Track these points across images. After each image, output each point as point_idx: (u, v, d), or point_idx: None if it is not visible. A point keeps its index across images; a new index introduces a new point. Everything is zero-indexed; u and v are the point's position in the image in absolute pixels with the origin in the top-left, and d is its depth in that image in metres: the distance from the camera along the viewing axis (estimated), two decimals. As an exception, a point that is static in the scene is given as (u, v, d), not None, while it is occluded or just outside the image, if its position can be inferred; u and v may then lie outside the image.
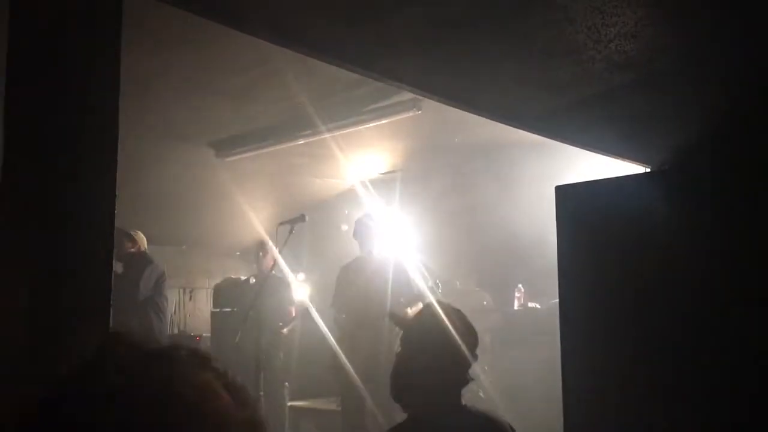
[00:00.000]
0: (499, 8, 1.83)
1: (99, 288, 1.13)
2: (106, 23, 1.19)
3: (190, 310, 7.08)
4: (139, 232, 5.59)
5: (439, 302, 2.06)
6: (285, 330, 5.42)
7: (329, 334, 5.68)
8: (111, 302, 1.14)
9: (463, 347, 1.90)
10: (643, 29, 1.85)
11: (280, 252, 4.42)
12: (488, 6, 1.83)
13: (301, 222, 4.00)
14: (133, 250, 5.44)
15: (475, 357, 1.94)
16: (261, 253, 5.68)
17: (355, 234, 5.01)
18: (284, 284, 5.67)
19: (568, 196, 2.54)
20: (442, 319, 1.96)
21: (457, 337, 1.91)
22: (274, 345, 5.45)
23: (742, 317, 2.31)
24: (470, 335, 1.95)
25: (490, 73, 2.27)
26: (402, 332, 2.04)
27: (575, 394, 2.44)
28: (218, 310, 6.21)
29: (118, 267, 5.38)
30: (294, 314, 5.68)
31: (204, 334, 6.37)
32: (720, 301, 2.35)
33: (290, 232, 3.99)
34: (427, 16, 1.89)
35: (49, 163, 1.11)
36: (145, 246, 5.58)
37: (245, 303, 5.55)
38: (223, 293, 6.32)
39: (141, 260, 5.43)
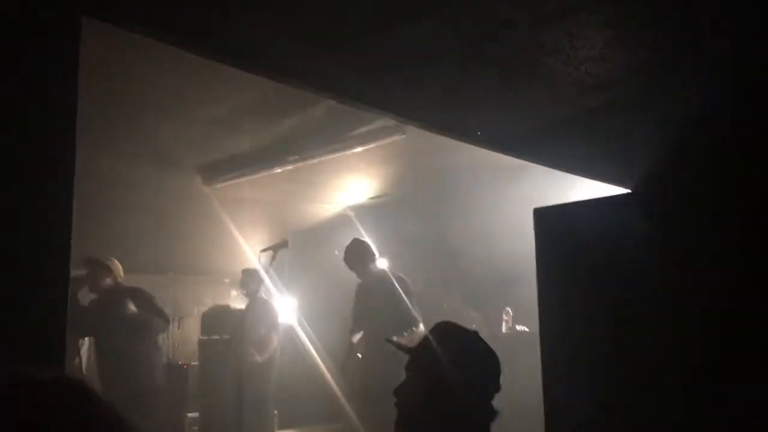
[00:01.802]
0: (470, 34, 1.86)
1: (54, 307, 1.14)
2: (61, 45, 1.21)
3: (179, 339, 7.02)
4: (116, 261, 5.21)
5: (447, 322, 1.74)
6: (258, 358, 5.30)
7: (318, 360, 5.65)
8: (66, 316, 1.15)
9: (484, 374, 1.64)
10: (611, 52, 1.88)
11: (263, 278, 4.42)
12: (459, 32, 1.86)
13: (283, 248, 4.00)
14: (109, 283, 5.07)
15: (498, 386, 1.65)
16: (248, 281, 5.66)
17: (346, 258, 5.04)
18: (269, 311, 5.64)
19: (546, 218, 2.55)
20: (456, 342, 1.67)
21: (474, 361, 1.64)
22: (261, 372, 5.39)
23: (723, 338, 2.31)
24: (491, 359, 1.67)
25: (466, 98, 2.30)
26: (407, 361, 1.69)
27: (557, 416, 2.43)
28: (206, 337, 6.17)
29: (94, 299, 5.10)
30: (274, 343, 5.62)
31: (192, 363, 6.32)
32: (700, 323, 2.35)
33: (273, 258, 3.99)
34: (401, 45, 1.92)
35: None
36: (122, 276, 5.21)
37: (232, 330, 5.52)
38: (210, 321, 6.29)
39: (117, 295, 5.04)
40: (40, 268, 1.17)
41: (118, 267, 5.22)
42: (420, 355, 1.67)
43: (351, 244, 5.14)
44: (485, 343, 1.70)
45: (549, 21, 1.77)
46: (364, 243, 5.16)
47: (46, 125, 1.23)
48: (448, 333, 1.70)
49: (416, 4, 1.71)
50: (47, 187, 1.21)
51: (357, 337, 5.02)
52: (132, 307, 4.98)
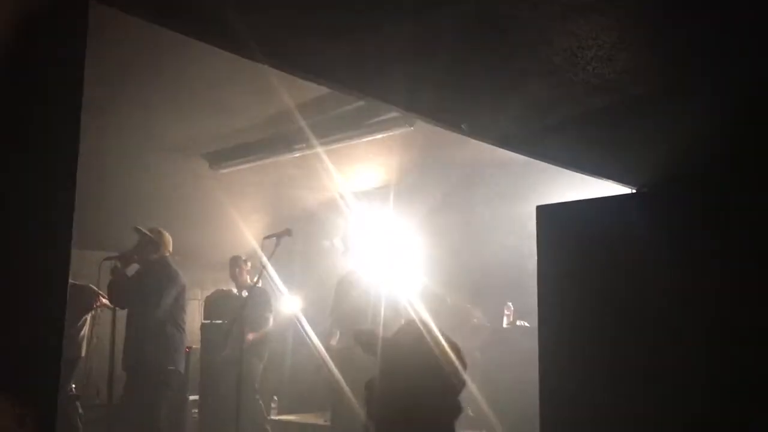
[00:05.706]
0: (474, 29, 1.84)
1: (53, 298, 1.14)
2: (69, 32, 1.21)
3: (182, 322, 7.06)
4: (165, 233, 5.13)
5: (411, 322, 1.76)
6: (250, 336, 5.36)
7: (321, 348, 5.69)
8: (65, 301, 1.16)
9: (451, 370, 1.65)
10: (619, 53, 1.86)
11: (266, 266, 4.43)
12: (465, 27, 1.85)
13: (287, 236, 4.01)
14: (155, 256, 5.02)
15: (463, 382, 1.67)
16: (237, 270, 5.73)
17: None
18: (265, 295, 5.71)
19: (548, 216, 2.54)
20: (423, 339, 1.67)
21: (442, 358, 1.64)
22: (253, 354, 5.46)
23: (727, 340, 2.30)
24: (457, 356, 1.69)
25: (469, 94, 2.28)
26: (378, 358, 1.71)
27: (553, 415, 2.44)
28: (208, 321, 6.21)
29: (137, 270, 5.08)
30: (270, 322, 5.72)
31: (194, 346, 6.36)
32: (702, 324, 2.34)
33: (276, 245, 4.00)
34: (407, 38, 1.90)
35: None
36: (170, 249, 5.15)
37: (233, 315, 5.57)
38: (213, 305, 6.33)
39: (162, 270, 5.00)
40: (40, 253, 1.18)
41: (167, 239, 5.10)
42: (388, 354, 1.69)
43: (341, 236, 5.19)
44: (452, 340, 1.70)
45: (556, 20, 1.75)
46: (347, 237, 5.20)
47: (53, 109, 1.22)
48: (414, 331, 1.71)
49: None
50: (49, 173, 1.21)
51: (335, 340, 5.09)
52: (170, 283, 4.89)
